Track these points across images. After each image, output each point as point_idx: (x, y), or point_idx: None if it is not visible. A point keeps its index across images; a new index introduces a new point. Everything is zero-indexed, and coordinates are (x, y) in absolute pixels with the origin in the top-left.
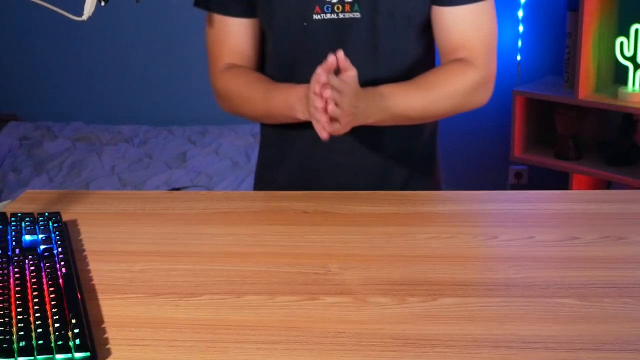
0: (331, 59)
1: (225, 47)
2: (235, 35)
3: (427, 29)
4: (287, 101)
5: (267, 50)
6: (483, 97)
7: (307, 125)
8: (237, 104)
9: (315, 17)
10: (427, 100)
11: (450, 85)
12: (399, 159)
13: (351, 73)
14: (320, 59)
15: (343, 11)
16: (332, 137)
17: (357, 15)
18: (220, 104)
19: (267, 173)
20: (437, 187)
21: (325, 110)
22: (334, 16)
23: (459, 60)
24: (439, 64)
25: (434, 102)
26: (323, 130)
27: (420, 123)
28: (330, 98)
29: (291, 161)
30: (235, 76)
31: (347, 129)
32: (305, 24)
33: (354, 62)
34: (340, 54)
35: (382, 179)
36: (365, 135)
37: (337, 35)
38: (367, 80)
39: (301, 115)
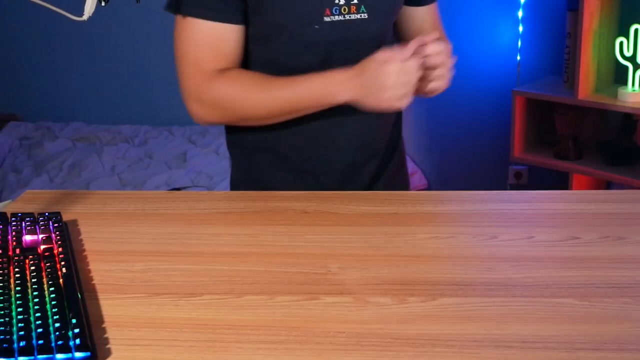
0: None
1: (212, 53)
2: (230, 41)
3: None
4: (326, 89)
5: (263, 56)
6: None
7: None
8: (240, 108)
9: (326, 19)
10: None
11: None
12: (368, 152)
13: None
14: (333, 62)
15: (349, 12)
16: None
17: (365, 16)
18: (208, 114)
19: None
20: (406, 182)
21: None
22: (341, 18)
23: None
24: None
25: None
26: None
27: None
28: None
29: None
30: (236, 79)
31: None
32: (316, 26)
33: None
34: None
35: (351, 173)
36: (333, 130)
37: (347, 37)
38: None
39: (343, 98)
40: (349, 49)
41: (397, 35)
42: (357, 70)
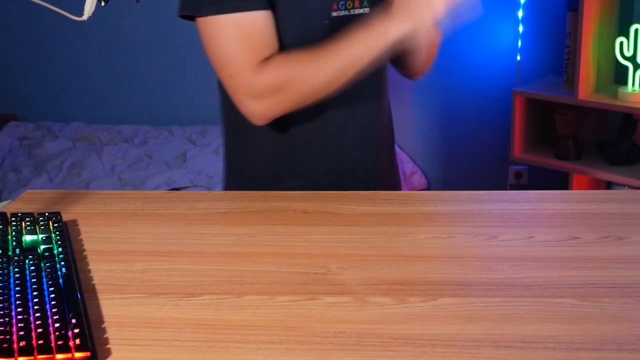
0: None
1: (254, 44)
2: (264, 28)
3: None
4: (376, 32)
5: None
6: None
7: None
8: (301, 84)
9: (333, 14)
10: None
11: None
12: (365, 148)
13: None
14: None
15: (354, 7)
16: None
17: (367, 10)
18: (268, 107)
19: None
20: (397, 181)
21: None
22: (346, 12)
23: None
24: None
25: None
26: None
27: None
28: None
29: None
30: (285, 60)
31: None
32: (325, 22)
33: None
34: None
35: (348, 172)
36: (332, 125)
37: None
38: (377, 72)
39: (395, 33)
40: None
41: None
42: (393, 3)
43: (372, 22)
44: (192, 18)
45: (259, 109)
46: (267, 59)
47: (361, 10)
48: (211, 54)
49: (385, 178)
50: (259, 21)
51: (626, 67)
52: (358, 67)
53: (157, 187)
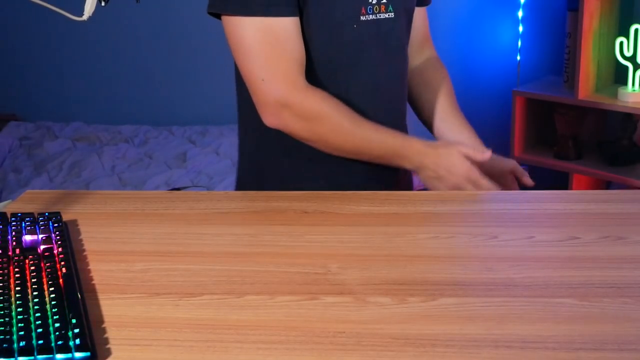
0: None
1: (286, 51)
2: (293, 37)
3: None
4: (403, 149)
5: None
6: None
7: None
8: (333, 130)
9: (362, 18)
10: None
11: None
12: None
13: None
14: (366, 61)
15: (380, 12)
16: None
17: (392, 15)
18: (299, 126)
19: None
20: (410, 181)
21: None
22: (374, 17)
23: (436, 61)
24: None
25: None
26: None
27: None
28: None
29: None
30: (332, 103)
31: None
32: (355, 25)
33: (392, 61)
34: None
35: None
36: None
37: (377, 36)
38: (400, 76)
39: (410, 165)
40: (380, 48)
41: None
42: (436, 148)
43: (411, 141)
44: (219, 16)
45: (289, 121)
46: (313, 87)
47: (387, 15)
48: (238, 54)
49: (402, 179)
50: (288, 27)
51: (626, 67)
52: (368, 157)
53: (157, 187)
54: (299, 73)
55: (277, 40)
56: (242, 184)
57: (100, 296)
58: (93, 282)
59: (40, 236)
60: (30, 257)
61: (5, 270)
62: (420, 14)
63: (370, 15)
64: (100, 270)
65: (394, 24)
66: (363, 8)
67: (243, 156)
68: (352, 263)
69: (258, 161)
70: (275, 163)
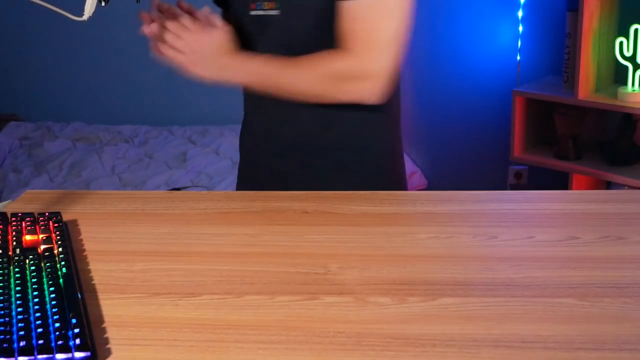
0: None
1: None
2: None
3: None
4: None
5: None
6: (363, 90)
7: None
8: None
9: (252, 13)
10: (290, 74)
11: (316, 65)
12: (354, 157)
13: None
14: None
15: (268, 8)
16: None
17: (277, 12)
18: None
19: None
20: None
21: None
22: (262, 12)
23: (337, 48)
24: None
25: (298, 78)
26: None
27: (292, 100)
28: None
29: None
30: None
31: (188, 67)
32: (246, 19)
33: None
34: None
35: (333, 176)
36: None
37: (268, 32)
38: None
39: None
40: (268, 44)
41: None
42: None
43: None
44: None
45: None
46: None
47: (273, 12)
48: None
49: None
50: None
51: (626, 67)
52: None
53: (157, 187)
54: None
55: None
56: (243, 184)
57: (100, 296)
58: (93, 282)
59: (40, 236)
60: (30, 257)
61: (6, 270)
62: (339, 11)
63: (259, 11)
64: (100, 270)
65: (283, 21)
66: (252, 4)
67: (243, 156)
68: (352, 263)
69: (258, 161)
70: (275, 163)
